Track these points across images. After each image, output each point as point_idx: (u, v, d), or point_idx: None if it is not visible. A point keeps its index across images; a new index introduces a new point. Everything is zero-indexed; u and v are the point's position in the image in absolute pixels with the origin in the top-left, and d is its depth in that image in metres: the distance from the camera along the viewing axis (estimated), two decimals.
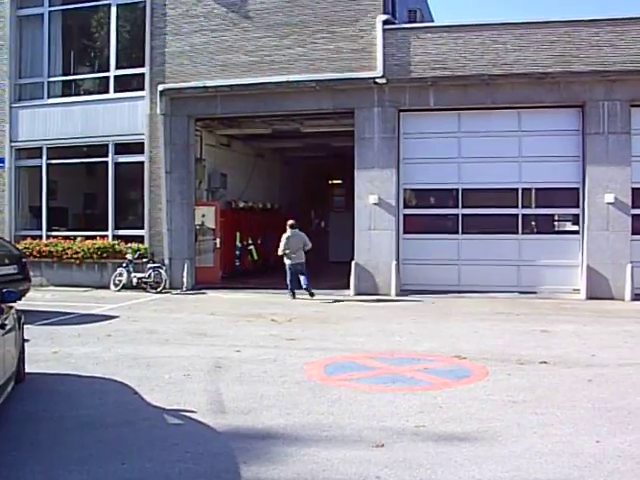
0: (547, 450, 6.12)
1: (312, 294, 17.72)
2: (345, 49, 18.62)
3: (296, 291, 17.88)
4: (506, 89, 17.82)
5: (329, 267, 25.49)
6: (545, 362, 9.71)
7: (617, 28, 17.07)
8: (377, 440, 6.41)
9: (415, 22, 20.57)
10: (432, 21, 25.75)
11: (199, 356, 10.42)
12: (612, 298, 16.95)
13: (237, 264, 23.65)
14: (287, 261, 18.09)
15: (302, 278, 17.95)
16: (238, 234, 23.68)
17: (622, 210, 17.26)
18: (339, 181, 30.80)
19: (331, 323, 13.82)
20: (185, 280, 19.64)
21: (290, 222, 18.35)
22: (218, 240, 21.37)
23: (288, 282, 18.02)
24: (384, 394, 8.10)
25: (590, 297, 17.04)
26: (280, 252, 18.17)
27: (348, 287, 18.51)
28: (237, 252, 23.68)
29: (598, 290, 17.10)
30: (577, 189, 17.81)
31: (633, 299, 16.86)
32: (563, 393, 8.09)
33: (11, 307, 8.39)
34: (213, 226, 21.45)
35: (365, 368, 9.60)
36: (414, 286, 18.32)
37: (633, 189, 17.34)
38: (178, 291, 19.37)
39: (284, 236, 18.11)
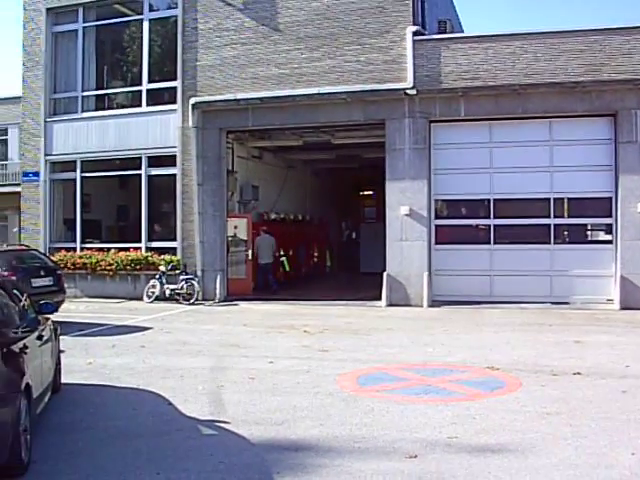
0: (581, 462, 6.09)
1: (275, 291, 21.12)
2: (375, 61, 18.66)
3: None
4: (537, 99, 17.74)
5: (360, 278, 25.47)
6: (579, 373, 9.64)
7: None
8: (410, 451, 6.42)
9: (445, 33, 20.49)
10: (462, 31, 25.69)
11: (232, 367, 10.50)
12: None
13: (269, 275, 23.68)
14: (259, 261, 21.67)
15: (269, 277, 21.77)
16: None
17: None
18: (370, 192, 30.78)
19: (363, 334, 13.82)
20: (217, 291, 19.76)
21: (263, 228, 22.28)
22: (250, 252, 21.49)
23: (258, 279, 21.76)
24: (417, 405, 8.10)
25: (624, 307, 16.83)
26: (250, 255, 21.45)
27: (380, 298, 18.49)
28: None
29: (632, 300, 16.88)
30: (610, 198, 17.64)
31: None
32: (597, 404, 8.03)
33: (47, 318, 8.55)
34: (245, 238, 21.57)
35: (398, 379, 9.60)
36: (446, 297, 18.26)
37: None
38: (210, 302, 19.48)
39: (256, 240, 21.75)
